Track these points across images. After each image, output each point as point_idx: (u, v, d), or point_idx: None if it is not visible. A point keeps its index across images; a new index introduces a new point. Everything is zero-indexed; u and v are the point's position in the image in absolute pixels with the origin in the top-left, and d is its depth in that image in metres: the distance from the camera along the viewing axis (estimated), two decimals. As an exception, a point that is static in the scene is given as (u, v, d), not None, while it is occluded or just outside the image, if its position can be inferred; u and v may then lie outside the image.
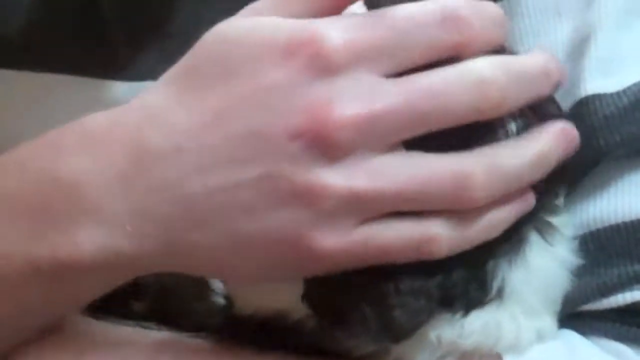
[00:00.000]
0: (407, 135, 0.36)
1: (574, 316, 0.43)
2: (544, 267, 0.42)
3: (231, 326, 0.43)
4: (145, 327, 0.44)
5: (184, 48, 0.43)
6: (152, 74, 0.48)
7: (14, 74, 0.56)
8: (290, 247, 0.37)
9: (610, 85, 0.45)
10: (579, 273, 0.44)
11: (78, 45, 0.55)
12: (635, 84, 0.45)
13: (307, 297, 0.39)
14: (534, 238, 0.41)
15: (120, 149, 0.39)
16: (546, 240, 0.41)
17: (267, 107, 0.36)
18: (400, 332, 0.38)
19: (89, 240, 0.39)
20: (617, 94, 0.45)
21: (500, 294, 0.40)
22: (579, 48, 0.46)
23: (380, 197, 0.36)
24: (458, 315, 0.39)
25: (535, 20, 0.48)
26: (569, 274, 0.43)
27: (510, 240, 0.40)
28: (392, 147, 0.37)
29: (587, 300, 0.43)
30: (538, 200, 0.41)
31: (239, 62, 0.37)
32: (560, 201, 0.43)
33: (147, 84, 0.48)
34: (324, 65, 0.36)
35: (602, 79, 0.45)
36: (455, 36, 0.37)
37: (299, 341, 0.42)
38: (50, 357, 0.43)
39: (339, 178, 0.36)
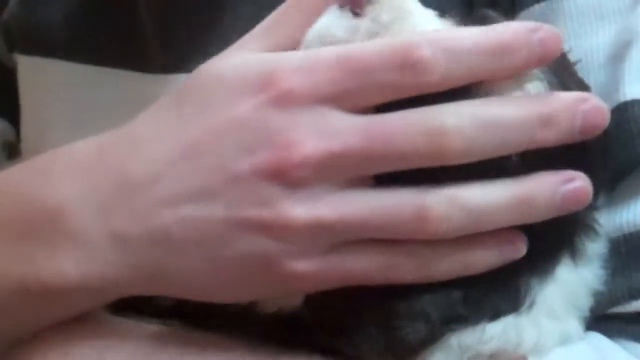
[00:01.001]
0: (365, 172, 0.38)
1: (603, 318, 0.43)
2: (569, 282, 0.42)
3: (254, 325, 0.43)
4: (169, 325, 0.45)
5: (211, 39, 0.47)
6: (180, 67, 0.52)
7: (53, 62, 0.59)
8: (264, 272, 0.39)
9: None
10: (610, 276, 0.43)
11: (112, 39, 0.58)
12: None
13: (308, 307, 0.41)
14: (565, 259, 0.42)
15: (104, 177, 0.41)
16: (575, 262, 0.42)
17: (235, 142, 0.38)
18: (405, 352, 0.40)
19: (72, 266, 0.41)
20: None
21: (531, 305, 0.41)
22: (620, 52, 0.46)
23: (344, 226, 0.38)
24: (481, 323, 0.40)
25: (577, 23, 0.47)
26: (590, 292, 0.43)
27: (544, 258, 0.41)
28: (355, 181, 0.38)
29: (617, 302, 0.43)
30: (572, 223, 0.41)
31: (214, 98, 0.40)
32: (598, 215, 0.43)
33: (177, 77, 0.51)
34: (286, 104, 0.38)
35: None
36: (411, 80, 0.37)
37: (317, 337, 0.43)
38: (76, 348, 0.43)
39: (302, 210, 0.38)
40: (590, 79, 0.45)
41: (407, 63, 0.37)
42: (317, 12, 0.41)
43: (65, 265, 0.41)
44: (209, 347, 0.43)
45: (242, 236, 0.39)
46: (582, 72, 0.45)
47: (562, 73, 0.42)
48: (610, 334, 0.43)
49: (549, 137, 0.38)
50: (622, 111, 0.44)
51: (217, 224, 0.39)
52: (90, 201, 0.41)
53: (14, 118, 0.66)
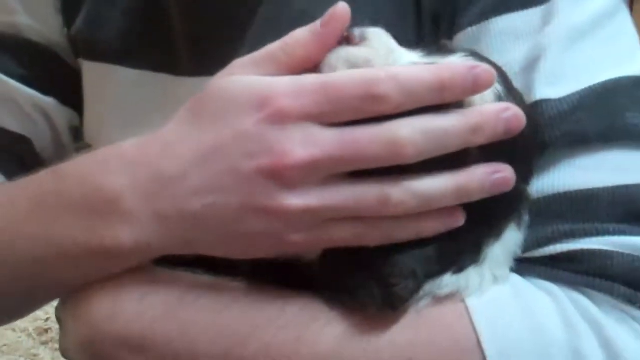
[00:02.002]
0: (341, 171, 0.47)
1: (517, 261, 0.52)
2: (509, 241, 0.52)
3: (258, 271, 0.53)
4: (195, 272, 0.54)
5: (231, 49, 0.55)
6: (205, 72, 0.59)
7: (108, 67, 0.68)
8: (268, 242, 0.49)
9: (554, 93, 0.53)
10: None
11: (153, 49, 0.66)
12: (573, 94, 0.53)
13: (322, 268, 0.50)
14: (512, 226, 0.51)
15: (145, 171, 0.50)
16: (518, 229, 0.52)
17: (242, 150, 0.47)
18: (397, 303, 0.49)
19: (127, 236, 0.50)
20: (559, 100, 0.53)
21: (484, 260, 0.50)
22: (532, 64, 0.54)
23: (326, 211, 0.47)
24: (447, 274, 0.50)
25: (499, 42, 0.56)
26: (518, 247, 0.52)
27: (497, 228, 0.51)
28: (333, 176, 0.47)
29: (528, 249, 0.52)
30: (520, 200, 0.51)
31: (225, 113, 0.48)
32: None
33: (203, 79, 0.58)
34: (278, 121, 0.46)
35: (548, 88, 0.53)
36: (374, 107, 0.46)
37: (309, 277, 0.51)
38: (125, 292, 0.53)
39: (295, 200, 0.47)
40: (509, 84, 0.53)
41: (370, 95, 0.45)
42: (300, 59, 0.49)
43: (122, 235, 0.50)
44: (224, 289, 0.53)
45: (251, 218, 0.47)
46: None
47: (509, 84, 0.51)
48: (522, 273, 0.52)
49: (478, 140, 0.47)
50: (534, 108, 0.53)
51: (232, 210, 0.48)
52: (137, 189, 0.50)
53: (79, 108, 0.74)
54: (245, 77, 0.49)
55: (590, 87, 0.53)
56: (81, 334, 0.53)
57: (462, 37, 0.58)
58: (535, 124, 0.50)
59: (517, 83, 0.54)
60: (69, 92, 0.74)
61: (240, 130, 0.47)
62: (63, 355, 0.57)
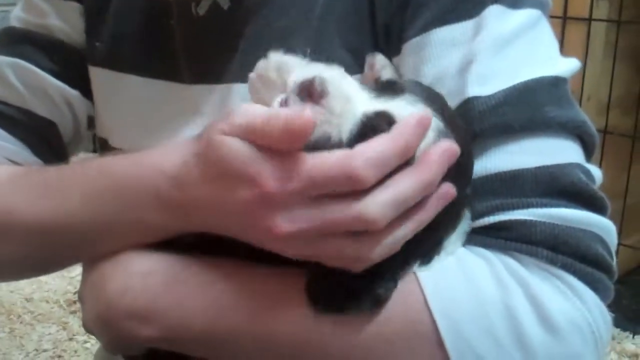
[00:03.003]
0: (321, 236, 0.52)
1: None
2: (463, 229, 0.59)
3: (247, 252, 0.58)
4: (192, 254, 0.61)
5: (223, 60, 0.64)
6: (202, 80, 0.69)
7: (124, 75, 0.78)
8: (263, 243, 0.55)
9: (483, 91, 0.59)
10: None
11: (157, 59, 0.76)
12: (499, 91, 0.59)
13: (309, 291, 0.57)
14: (466, 217, 0.58)
15: (165, 191, 0.57)
16: (469, 217, 0.59)
17: (238, 217, 0.54)
18: (382, 302, 0.56)
19: (152, 220, 0.59)
20: (488, 97, 0.59)
21: (443, 248, 0.57)
22: (465, 67, 0.61)
23: (312, 257, 0.53)
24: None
25: (438, 50, 0.63)
26: (468, 227, 0.59)
27: (458, 219, 0.58)
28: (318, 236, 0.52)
29: None
30: (466, 202, 0.57)
31: (224, 176, 0.53)
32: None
33: (200, 86, 0.68)
34: (269, 202, 0.52)
35: (478, 87, 0.60)
36: (351, 186, 0.50)
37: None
38: (132, 272, 0.60)
39: (287, 250, 0.53)
40: (446, 85, 0.61)
41: (350, 178, 0.50)
42: (273, 143, 0.51)
43: (149, 218, 0.59)
44: (213, 268, 0.60)
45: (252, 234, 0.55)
46: (442, 82, 0.60)
47: (446, 112, 0.56)
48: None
49: (432, 190, 0.52)
50: (466, 103, 0.60)
51: (235, 233, 0.56)
52: (161, 200, 0.58)
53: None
54: (239, 148, 0.53)
55: (513, 86, 0.60)
56: (97, 308, 0.61)
57: (408, 47, 0.65)
58: (469, 146, 0.56)
59: (453, 84, 0.61)
60: (90, 87, 0.84)
61: (235, 201, 0.53)
62: (85, 329, 0.65)
